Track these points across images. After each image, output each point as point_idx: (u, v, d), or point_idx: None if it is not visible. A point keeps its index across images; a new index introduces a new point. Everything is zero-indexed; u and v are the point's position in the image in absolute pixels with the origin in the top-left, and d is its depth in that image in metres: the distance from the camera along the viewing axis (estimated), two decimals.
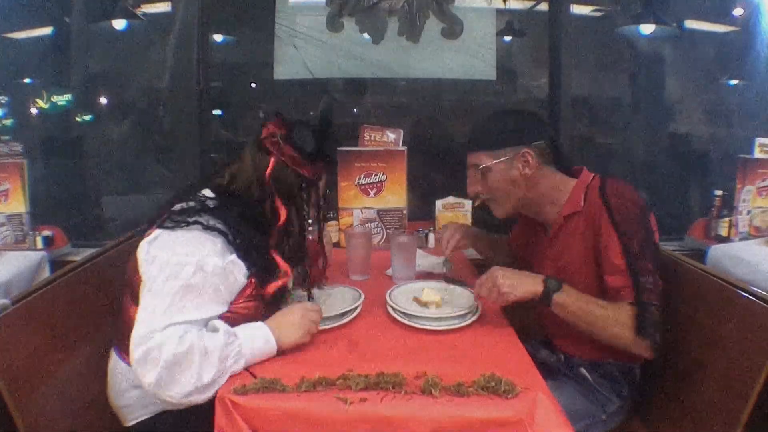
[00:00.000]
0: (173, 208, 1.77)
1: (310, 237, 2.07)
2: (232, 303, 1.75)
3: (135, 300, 1.70)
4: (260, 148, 1.88)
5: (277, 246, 1.87)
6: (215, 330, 1.62)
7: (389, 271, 2.45)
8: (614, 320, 1.80)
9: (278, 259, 1.85)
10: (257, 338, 1.64)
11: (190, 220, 1.71)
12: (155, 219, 1.77)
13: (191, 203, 1.79)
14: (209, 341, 1.57)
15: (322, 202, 2.04)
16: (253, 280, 1.78)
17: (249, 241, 1.78)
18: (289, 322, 1.69)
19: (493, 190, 2.07)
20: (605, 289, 1.88)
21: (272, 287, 1.83)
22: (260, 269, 1.81)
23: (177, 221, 1.71)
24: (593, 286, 1.91)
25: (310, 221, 1.92)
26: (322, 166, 1.93)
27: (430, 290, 2.07)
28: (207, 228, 1.71)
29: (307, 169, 1.87)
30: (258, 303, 1.80)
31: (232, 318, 1.73)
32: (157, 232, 1.72)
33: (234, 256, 1.73)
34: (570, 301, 1.79)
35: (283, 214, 1.84)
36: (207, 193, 1.86)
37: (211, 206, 1.78)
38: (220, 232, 1.72)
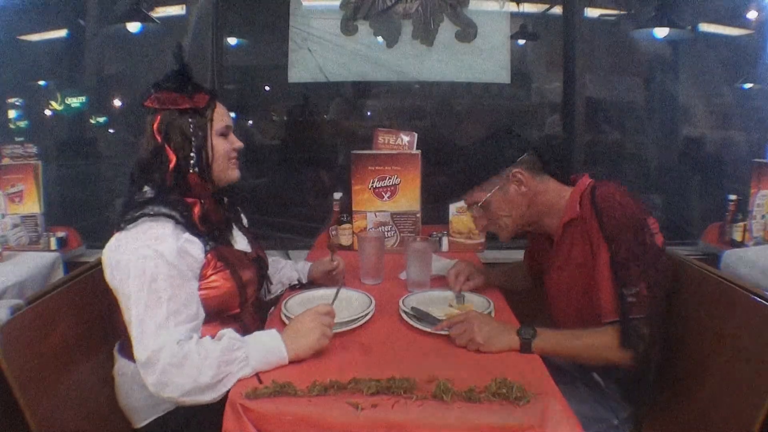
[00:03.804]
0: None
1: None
2: (200, 280, 1.79)
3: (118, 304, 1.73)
4: (149, 113, 1.89)
5: (173, 189, 1.85)
6: (221, 337, 1.63)
7: (403, 275, 2.45)
8: (600, 346, 1.81)
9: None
10: (267, 345, 1.63)
11: (137, 214, 1.73)
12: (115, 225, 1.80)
13: (134, 199, 1.82)
14: (210, 345, 1.59)
15: (236, 144, 2.04)
16: (212, 255, 1.82)
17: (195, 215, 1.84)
18: (302, 330, 1.68)
19: (498, 217, 2.07)
20: (595, 305, 1.88)
21: (195, 216, 1.84)
22: (215, 237, 1.88)
23: (127, 220, 1.74)
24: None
25: (192, 154, 1.88)
26: (203, 97, 1.93)
27: (442, 309, 2.04)
28: (154, 216, 1.73)
29: (188, 101, 1.89)
30: (225, 276, 1.85)
31: (208, 297, 1.79)
32: (113, 237, 1.76)
33: (187, 234, 1.77)
34: (549, 343, 1.78)
35: (173, 158, 1.85)
36: (146, 187, 1.87)
37: (151, 195, 1.81)
38: (166, 216, 1.75)
